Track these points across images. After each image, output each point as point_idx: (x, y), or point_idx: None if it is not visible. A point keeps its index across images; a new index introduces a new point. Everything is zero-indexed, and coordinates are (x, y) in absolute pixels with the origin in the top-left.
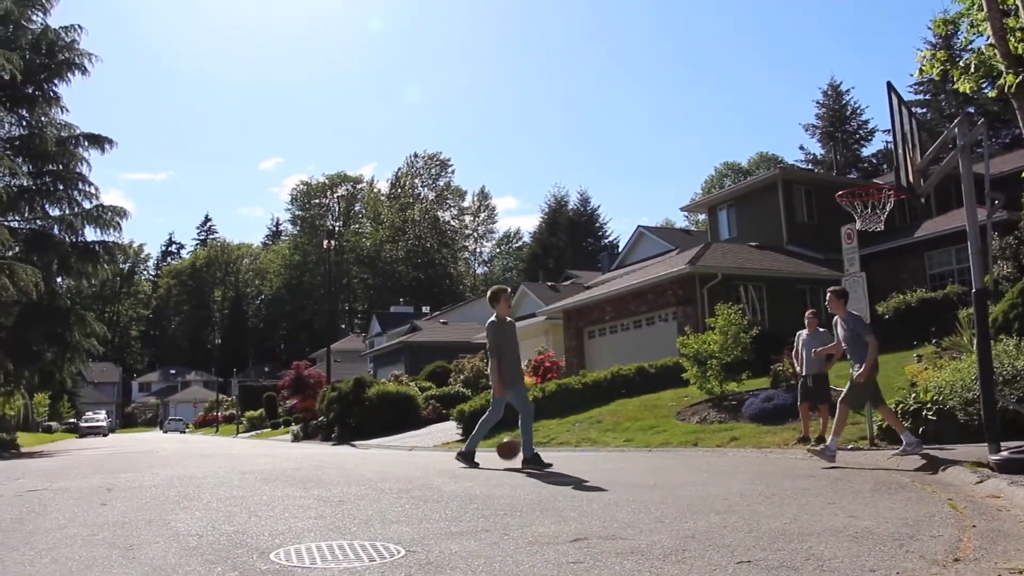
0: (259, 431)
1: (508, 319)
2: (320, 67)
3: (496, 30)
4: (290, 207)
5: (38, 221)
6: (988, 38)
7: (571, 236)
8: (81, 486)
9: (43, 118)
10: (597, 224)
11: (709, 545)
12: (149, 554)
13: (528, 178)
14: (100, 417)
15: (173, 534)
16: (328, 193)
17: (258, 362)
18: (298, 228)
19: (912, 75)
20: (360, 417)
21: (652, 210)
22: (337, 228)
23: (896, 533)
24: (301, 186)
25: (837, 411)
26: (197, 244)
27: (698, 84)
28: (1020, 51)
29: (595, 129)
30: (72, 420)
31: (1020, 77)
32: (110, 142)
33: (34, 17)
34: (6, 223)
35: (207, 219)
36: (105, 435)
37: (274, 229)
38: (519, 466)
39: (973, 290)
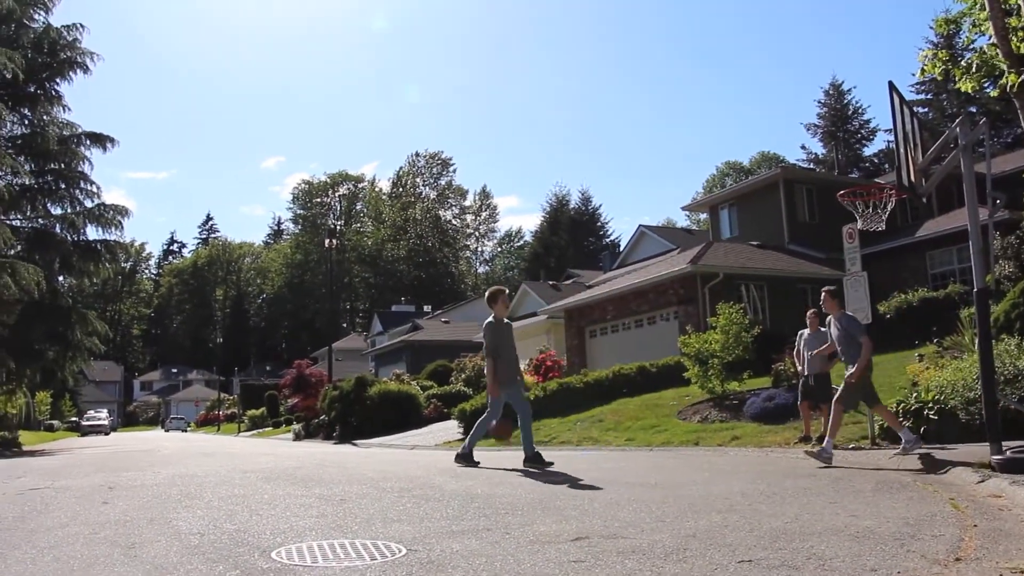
0: (261, 430)
1: (506, 320)
2: (322, 66)
3: (498, 29)
4: (291, 206)
5: (40, 220)
6: (990, 37)
7: (572, 235)
8: (83, 484)
9: (45, 117)
10: (599, 223)
11: (710, 544)
12: (151, 552)
13: (530, 177)
14: (102, 416)
15: (175, 532)
16: (330, 192)
17: (260, 361)
18: (300, 227)
19: (914, 75)
20: (362, 416)
21: (653, 209)
22: (339, 227)
23: (897, 532)
24: (303, 185)
25: (832, 411)
26: (199, 243)
27: (700, 83)
28: (1022, 51)
29: (597, 128)
30: (74, 419)
31: (1022, 76)
32: (112, 141)
33: (36, 16)
34: (8, 222)
35: (209, 218)
36: (107, 434)
37: (276, 228)
38: (521, 464)
39: (975, 289)
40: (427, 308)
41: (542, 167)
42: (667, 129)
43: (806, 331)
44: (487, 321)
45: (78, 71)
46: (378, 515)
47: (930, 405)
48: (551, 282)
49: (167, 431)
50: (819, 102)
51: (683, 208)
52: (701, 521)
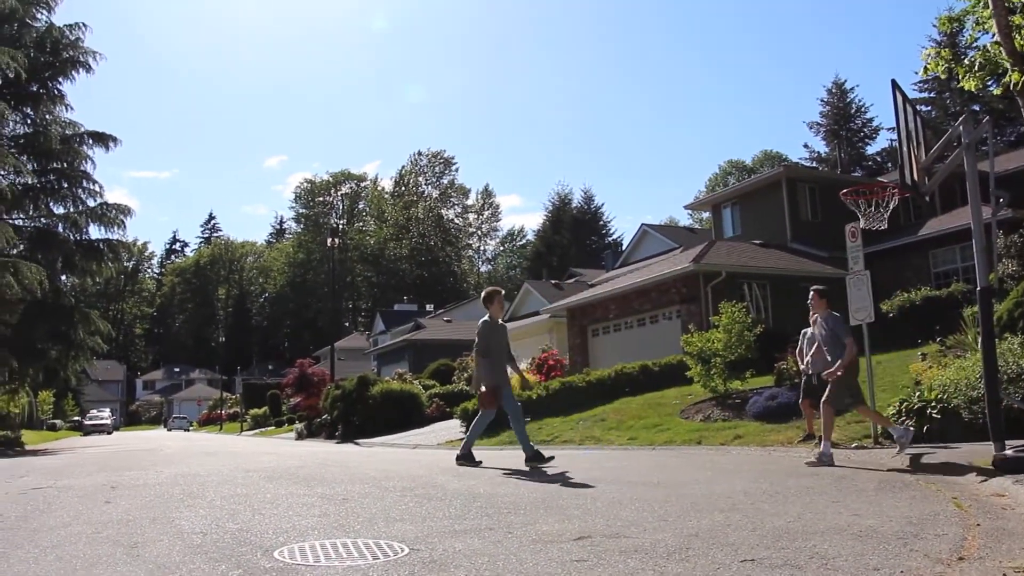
0: (263, 429)
1: (500, 321)
2: (324, 65)
3: (500, 28)
4: (294, 205)
5: (43, 219)
6: (993, 35)
7: (575, 234)
8: (85, 484)
9: (47, 116)
10: (601, 222)
11: (713, 543)
12: (153, 552)
13: (532, 176)
14: (104, 415)
15: (177, 532)
16: (332, 191)
17: (262, 360)
18: (302, 226)
19: (917, 73)
20: (364, 415)
21: (656, 208)
22: (341, 226)
23: (900, 532)
24: (305, 184)
25: (822, 414)
26: (201, 242)
27: (702, 82)
28: None
29: (599, 127)
30: (76, 418)
31: None
32: (114, 140)
33: (39, 15)
34: (11, 221)
35: (211, 217)
36: (109, 433)
37: (278, 227)
38: (523, 464)
39: (978, 288)
40: (429, 307)
41: (544, 166)
42: (669, 128)
43: (809, 330)
44: (483, 320)
45: (80, 70)
46: (380, 514)
47: (933, 404)
48: (553, 281)
49: (169, 430)
50: (822, 100)
51: (686, 207)
52: (704, 520)
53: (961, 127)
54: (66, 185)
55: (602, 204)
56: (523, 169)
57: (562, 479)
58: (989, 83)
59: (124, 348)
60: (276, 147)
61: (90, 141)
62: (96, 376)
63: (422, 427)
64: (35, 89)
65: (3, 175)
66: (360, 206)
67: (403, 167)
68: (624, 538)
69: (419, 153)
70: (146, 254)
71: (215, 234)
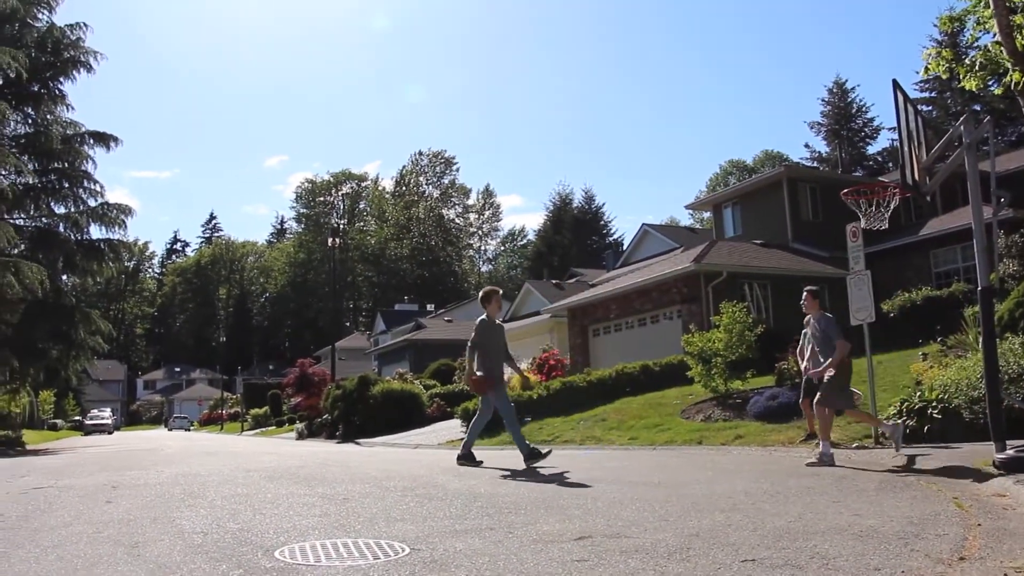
0: (264, 429)
1: (497, 321)
2: (324, 65)
3: (501, 28)
4: (295, 205)
5: (43, 219)
6: (994, 35)
7: (576, 234)
8: (86, 483)
9: (48, 116)
10: (602, 222)
11: (714, 543)
12: (154, 551)
13: (533, 176)
14: (105, 415)
15: (178, 532)
16: (333, 191)
17: (263, 360)
18: (303, 226)
19: (918, 73)
20: (365, 415)
21: (657, 208)
22: (342, 226)
23: (901, 532)
24: (306, 184)
25: (816, 415)
26: (202, 242)
27: (703, 82)
28: None
29: (599, 127)
30: (77, 418)
31: None
32: (115, 140)
33: (40, 15)
34: (12, 221)
35: (212, 217)
36: (110, 433)
37: (279, 227)
38: (524, 465)
39: (979, 288)
40: (430, 307)
41: (545, 166)
42: (670, 128)
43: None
44: (480, 318)
45: (81, 70)
46: (381, 514)
47: (934, 404)
48: (554, 281)
49: (170, 430)
50: (823, 100)
51: (687, 207)
52: (704, 520)
53: (962, 127)
54: (67, 185)
55: (603, 204)
56: (524, 169)
57: (563, 479)
58: (990, 83)
59: (125, 348)
60: (277, 147)
61: (91, 141)
62: (97, 376)
63: (423, 427)
64: (36, 89)
65: (4, 175)
66: (361, 206)
67: (404, 167)
68: (625, 538)
69: (420, 153)
70: (147, 254)
71: (216, 234)
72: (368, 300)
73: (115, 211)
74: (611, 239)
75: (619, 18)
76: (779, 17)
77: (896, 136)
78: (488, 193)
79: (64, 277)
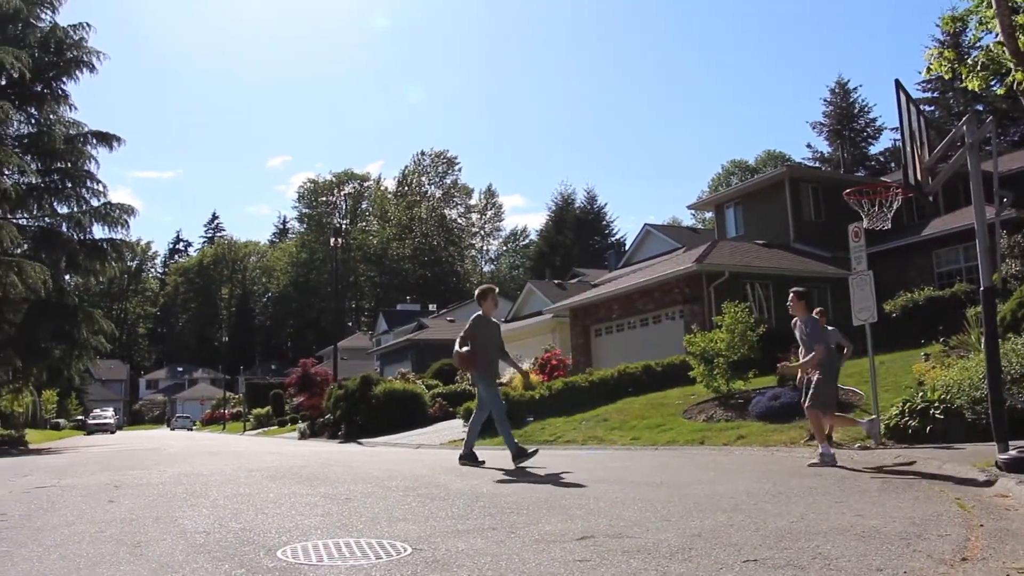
0: (266, 429)
1: (493, 319)
2: (327, 65)
3: (503, 28)
4: (297, 205)
5: (46, 219)
6: (997, 35)
7: (578, 234)
8: (89, 483)
9: (51, 116)
10: (604, 222)
11: (716, 544)
12: (156, 551)
13: (535, 176)
14: (107, 414)
15: (180, 531)
16: (335, 191)
17: (265, 360)
18: (305, 226)
19: (920, 73)
20: (367, 415)
21: (659, 208)
22: (344, 226)
23: (903, 532)
24: (308, 184)
25: (809, 419)
26: (204, 242)
27: (705, 82)
28: None
29: (601, 127)
30: (80, 417)
31: None
32: (118, 140)
33: (43, 15)
34: (15, 221)
35: (214, 217)
36: (112, 432)
37: (281, 227)
38: (524, 466)
39: (981, 288)
40: (432, 307)
41: (546, 167)
42: (671, 128)
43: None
44: (476, 314)
45: (84, 70)
46: (383, 514)
47: (936, 404)
48: (556, 281)
49: (172, 430)
50: (825, 100)
51: (688, 207)
52: (706, 520)
53: (964, 127)
54: (70, 185)
55: (605, 204)
56: (526, 169)
57: (565, 479)
58: (993, 83)
59: (127, 347)
60: (279, 147)
61: (94, 141)
62: (99, 375)
63: (425, 427)
64: (39, 89)
65: (7, 175)
66: (363, 206)
67: (406, 167)
68: (627, 538)
69: (422, 153)
70: (149, 254)
71: (218, 234)
72: (370, 300)
73: (118, 211)
74: (613, 239)
75: (619, 18)
76: (780, 17)
77: (898, 136)
78: (490, 193)
79: (67, 277)
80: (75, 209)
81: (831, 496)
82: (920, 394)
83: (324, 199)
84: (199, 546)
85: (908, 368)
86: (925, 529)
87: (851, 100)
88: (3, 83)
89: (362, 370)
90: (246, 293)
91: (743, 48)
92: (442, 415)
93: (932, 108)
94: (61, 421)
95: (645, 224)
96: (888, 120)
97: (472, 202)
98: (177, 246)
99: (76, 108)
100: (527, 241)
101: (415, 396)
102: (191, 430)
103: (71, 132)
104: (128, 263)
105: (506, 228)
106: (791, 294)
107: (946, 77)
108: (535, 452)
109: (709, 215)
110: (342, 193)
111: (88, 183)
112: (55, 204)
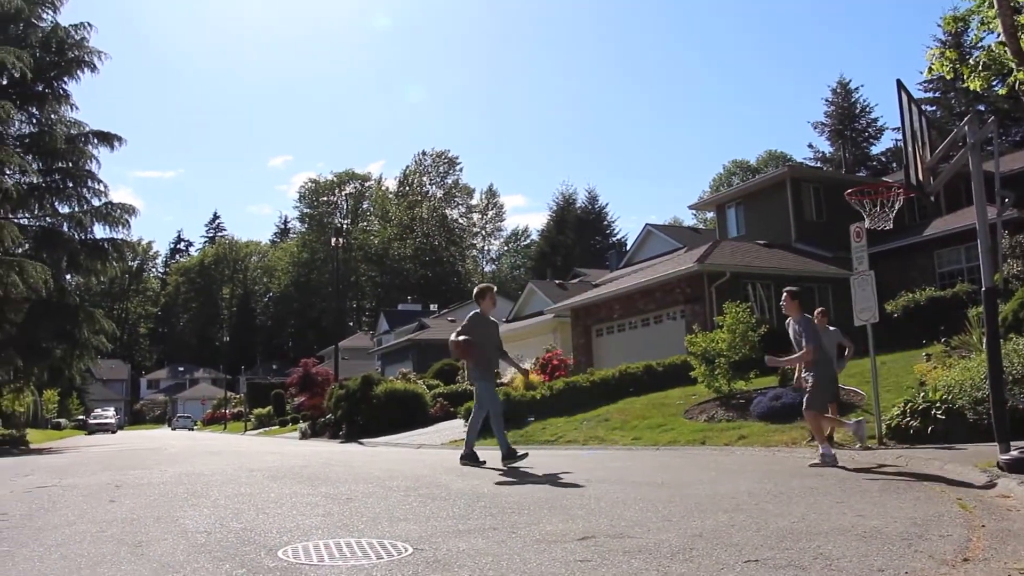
0: (267, 428)
1: (491, 318)
2: (328, 65)
3: (504, 28)
4: (298, 205)
5: (47, 218)
6: (998, 35)
7: (579, 234)
8: (90, 483)
9: (53, 116)
10: (605, 222)
11: (717, 544)
12: (158, 551)
13: (536, 176)
14: (109, 414)
15: (181, 531)
16: (336, 191)
17: (266, 360)
18: (306, 226)
19: (922, 73)
20: (368, 415)
21: (660, 208)
22: (345, 226)
23: (905, 533)
24: (309, 184)
25: (807, 421)
26: (205, 242)
27: (706, 82)
28: None
29: (602, 127)
30: (81, 417)
31: None
32: (119, 140)
33: (44, 15)
34: (16, 220)
35: (215, 217)
36: (113, 432)
37: (282, 227)
38: (528, 464)
39: (983, 288)
40: (433, 307)
41: (548, 167)
42: (672, 128)
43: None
44: (473, 312)
45: (86, 70)
46: (384, 514)
47: (938, 405)
48: (557, 281)
49: (173, 429)
50: (826, 100)
51: (690, 207)
52: (707, 520)
53: (966, 127)
54: (71, 184)
55: (606, 204)
56: (527, 169)
57: (566, 479)
58: (994, 83)
59: (128, 347)
60: (280, 147)
61: (95, 141)
62: (100, 375)
63: (426, 427)
64: (40, 89)
65: (9, 175)
66: (364, 206)
67: (407, 167)
68: (628, 538)
69: (423, 153)
70: (151, 253)
71: (219, 234)
72: (371, 300)
73: (119, 211)
74: (614, 239)
75: (620, 18)
76: (781, 17)
77: (900, 136)
78: (491, 193)
79: (68, 276)
80: (76, 209)
81: (832, 496)
82: (922, 394)
83: (325, 199)
84: (200, 546)
85: (910, 368)
86: (926, 529)
87: (853, 100)
88: (4, 83)
89: (363, 370)
90: (247, 293)
91: (744, 48)
92: (443, 415)
93: (934, 108)
94: (62, 421)
95: (646, 224)
96: (890, 120)
97: (473, 202)
98: (178, 246)
99: (77, 108)
100: (528, 241)
101: (416, 396)
102: (192, 430)
103: (72, 132)
104: (129, 263)
105: (507, 228)
106: (784, 293)
107: (948, 77)
108: (525, 455)
109: (710, 215)
110: (343, 193)
111: (89, 183)
112: (56, 204)
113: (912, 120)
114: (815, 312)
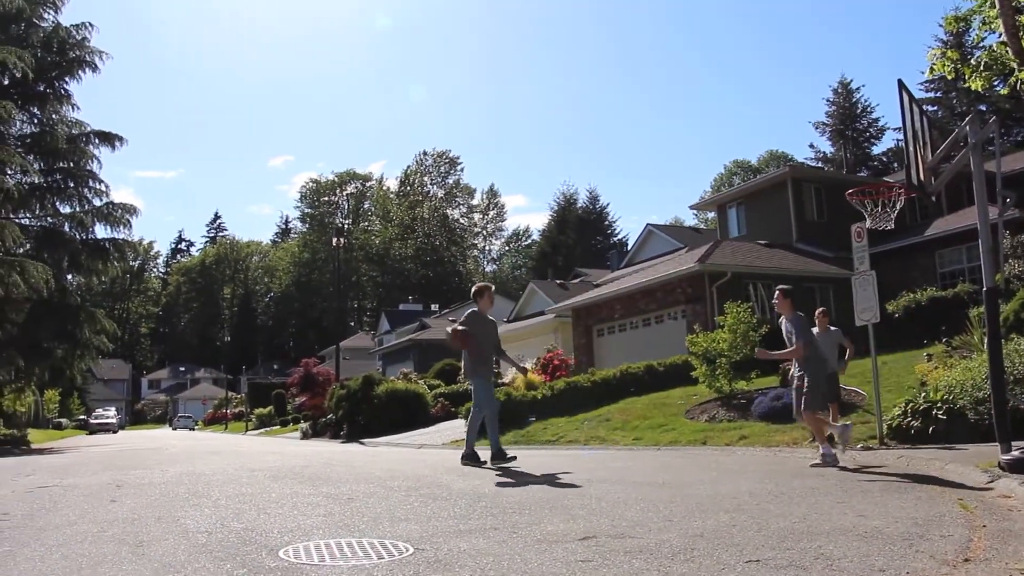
0: (268, 428)
1: (489, 317)
2: (329, 65)
3: (504, 28)
4: (299, 205)
5: (49, 218)
6: (1000, 35)
7: (580, 234)
8: (91, 483)
9: (54, 116)
10: (606, 222)
11: (718, 544)
12: (158, 551)
13: (537, 176)
14: (110, 414)
15: (182, 531)
16: (337, 191)
17: (267, 359)
18: (307, 226)
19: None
20: (369, 415)
21: (661, 208)
22: (346, 226)
23: (906, 533)
24: (310, 184)
25: (806, 422)
26: (207, 241)
27: (708, 82)
28: None
29: (603, 127)
30: (82, 417)
31: None
32: (120, 140)
33: (46, 15)
34: (17, 220)
35: (216, 217)
36: (115, 432)
37: (283, 227)
38: (527, 463)
39: (984, 288)
40: (434, 307)
41: (549, 166)
42: (673, 129)
43: (815, 330)
44: (470, 310)
45: (87, 70)
46: (385, 514)
47: (939, 405)
48: (558, 281)
49: (175, 429)
50: (827, 100)
51: (691, 207)
52: (709, 521)
53: (968, 127)
54: (72, 184)
55: (607, 204)
56: (528, 169)
57: (567, 479)
58: (996, 83)
59: (130, 347)
60: (281, 147)
61: (96, 141)
62: (101, 375)
63: (427, 427)
64: (42, 89)
65: (10, 174)
66: (365, 206)
67: (408, 167)
68: (629, 538)
69: (424, 153)
70: (152, 253)
71: (220, 234)
72: (372, 300)
73: (120, 211)
74: (615, 239)
75: (620, 18)
76: (782, 17)
77: (901, 136)
78: (492, 193)
79: (69, 276)
80: (77, 209)
81: (833, 496)
82: (923, 394)
83: (326, 199)
84: (201, 546)
85: (911, 368)
86: (927, 530)
87: (854, 100)
88: (6, 83)
89: (364, 370)
90: (248, 293)
91: (745, 48)
92: (444, 415)
93: (935, 108)
94: (63, 421)
95: (647, 224)
96: (891, 120)
97: (474, 202)
98: (179, 246)
99: (78, 108)
100: (529, 241)
101: (417, 396)
102: (193, 430)
103: (73, 132)
104: (130, 263)
105: (508, 228)
106: (777, 292)
107: (949, 77)
108: (513, 458)
109: (711, 215)
110: (344, 193)
111: (90, 183)
112: (57, 204)
113: (913, 120)
114: (816, 312)
